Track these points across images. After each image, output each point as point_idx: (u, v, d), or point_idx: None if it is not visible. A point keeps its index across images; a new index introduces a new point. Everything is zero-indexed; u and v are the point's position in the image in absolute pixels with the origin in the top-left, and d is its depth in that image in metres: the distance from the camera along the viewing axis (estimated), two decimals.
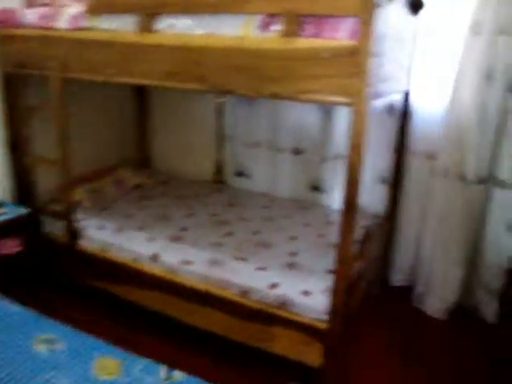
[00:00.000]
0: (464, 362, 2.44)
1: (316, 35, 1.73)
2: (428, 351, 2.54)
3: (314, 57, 1.72)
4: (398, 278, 3.07)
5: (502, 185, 2.62)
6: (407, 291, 3.00)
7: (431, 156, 2.79)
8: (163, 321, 2.44)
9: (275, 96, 1.91)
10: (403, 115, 2.76)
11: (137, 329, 2.53)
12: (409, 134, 2.82)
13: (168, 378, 1.51)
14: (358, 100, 1.68)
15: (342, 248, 1.86)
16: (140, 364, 1.57)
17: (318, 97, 1.79)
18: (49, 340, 1.64)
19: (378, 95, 1.90)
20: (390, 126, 2.85)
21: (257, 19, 1.83)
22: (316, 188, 3.22)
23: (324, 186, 3.17)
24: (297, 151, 3.21)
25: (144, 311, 2.50)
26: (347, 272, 1.89)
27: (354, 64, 1.65)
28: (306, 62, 1.75)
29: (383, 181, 2.99)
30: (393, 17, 2.01)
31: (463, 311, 2.83)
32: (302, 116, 3.11)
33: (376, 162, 2.95)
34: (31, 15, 2.45)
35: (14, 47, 2.56)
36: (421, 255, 2.91)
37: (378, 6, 1.60)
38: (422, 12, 2.49)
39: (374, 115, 2.85)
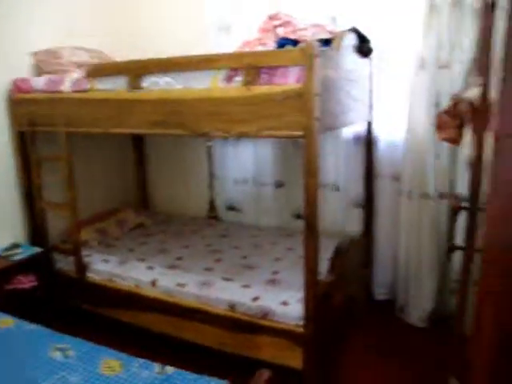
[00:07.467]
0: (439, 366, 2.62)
1: (270, 82, 2.09)
2: (406, 354, 2.77)
3: (269, 100, 2.08)
4: (380, 292, 3.33)
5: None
6: (390, 304, 3.25)
7: (397, 178, 3.10)
8: (160, 342, 2.69)
9: (243, 135, 2.27)
10: (368, 143, 3.11)
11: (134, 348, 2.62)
12: (375, 159, 3.15)
13: (161, 371, 1.78)
14: (308, 132, 2.01)
15: (307, 261, 2.16)
16: (137, 362, 1.85)
17: (277, 132, 2.13)
18: (62, 348, 1.93)
19: (329, 127, 2.23)
20: (359, 154, 3.18)
21: (222, 73, 2.21)
22: (299, 216, 3.50)
23: None
24: (278, 184, 3.54)
25: (142, 336, 2.75)
26: (314, 281, 2.17)
27: (301, 103, 1.99)
28: (263, 104, 2.10)
29: (358, 204, 3.29)
30: (340, 61, 2.39)
31: (442, 319, 3.04)
32: (279, 152, 3.46)
33: (350, 188, 3.27)
34: (41, 81, 2.86)
35: (25, 109, 2.95)
36: (398, 270, 3.17)
37: (317, 56, 1.96)
38: (372, 55, 2.86)
39: (343, 144, 3.21)
